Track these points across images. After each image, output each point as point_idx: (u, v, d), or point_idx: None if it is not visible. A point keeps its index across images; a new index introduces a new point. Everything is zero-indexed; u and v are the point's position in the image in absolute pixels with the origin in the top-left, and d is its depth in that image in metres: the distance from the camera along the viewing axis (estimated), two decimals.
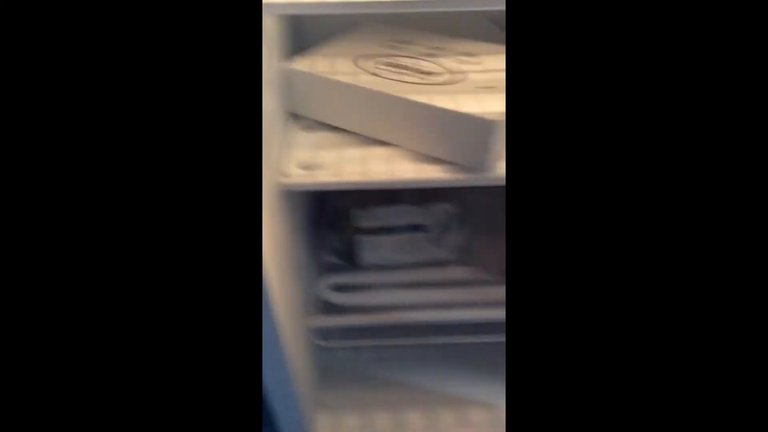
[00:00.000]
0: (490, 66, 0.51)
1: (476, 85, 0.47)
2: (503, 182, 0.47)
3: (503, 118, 0.43)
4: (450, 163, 0.47)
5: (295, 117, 0.55)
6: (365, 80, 0.48)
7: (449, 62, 0.51)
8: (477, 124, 0.43)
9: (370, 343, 0.70)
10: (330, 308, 0.68)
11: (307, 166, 0.48)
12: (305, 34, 0.60)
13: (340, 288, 0.70)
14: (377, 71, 0.50)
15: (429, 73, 0.49)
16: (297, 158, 0.49)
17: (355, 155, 0.50)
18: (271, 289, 0.44)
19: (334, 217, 0.68)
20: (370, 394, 0.78)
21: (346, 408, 0.76)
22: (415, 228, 0.68)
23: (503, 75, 0.49)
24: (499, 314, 0.65)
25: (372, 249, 0.68)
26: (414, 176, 0.47)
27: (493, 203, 0.70)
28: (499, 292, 0.68)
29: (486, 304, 0.67)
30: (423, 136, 0.47)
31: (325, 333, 0.71)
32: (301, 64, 0.51)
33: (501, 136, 0.44)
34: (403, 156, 0.49)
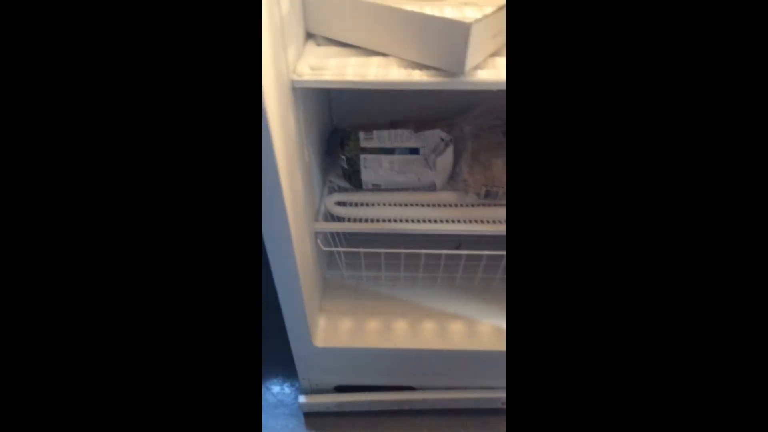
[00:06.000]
0: None
1: (460, 1, 0.56)
2: (480, 86, 0.56)
3: (478, 22, 0.51)
4: (435, 69, 0.56)
5: (310, 36, 0.65)
6: None
7: None
8: (454, 27, 0.51)
9: (365, 250, 0.79)
10: (333, 219, 0.77)
11: (315, 68, 0.58)
12: None
13: (342, 203, 0.79)
14: None
15: None
16: (309, 63, 0.59)
17: (357, 62, 0.59)
18: (281, 179, 0.54)
19: (343, 138, 0.77)
20: (364, 304, 0.87)
21: (343, 314, 0.86)
22: (411, 151, 0.76)
23: None
24: (479, 229, 0.74)
25: (372, 167, 0.76)
26: (402, 78, 0.56)
27: (480, 135, 0.78)
28: (480, 213, 0.76)
29: (468, 221, 0.75)
30: (411, 43, 0.56)
31: (328, 238, 0.80)
32: None
33: (476, 40, 0.52)
34: (396, 63, 0.58)
